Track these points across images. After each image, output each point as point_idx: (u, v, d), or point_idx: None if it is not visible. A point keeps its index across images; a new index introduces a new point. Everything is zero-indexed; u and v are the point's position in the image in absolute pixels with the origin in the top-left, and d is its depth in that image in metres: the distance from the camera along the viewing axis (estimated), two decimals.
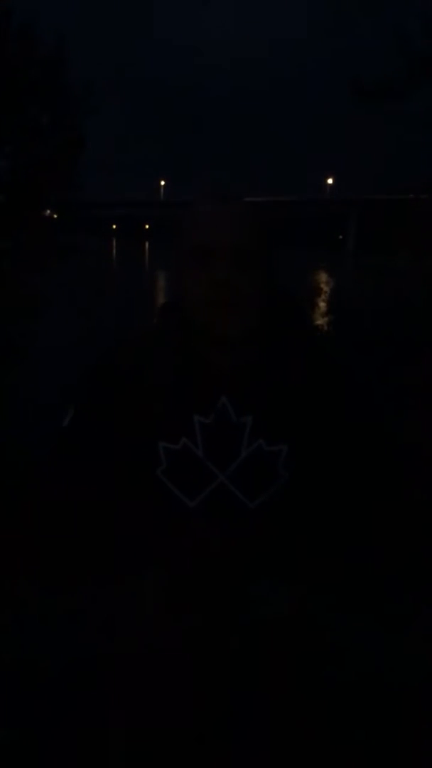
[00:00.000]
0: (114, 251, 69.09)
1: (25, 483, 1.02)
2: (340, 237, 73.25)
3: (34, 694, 0.99)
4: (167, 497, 0.94)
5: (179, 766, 0.93)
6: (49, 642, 0.95)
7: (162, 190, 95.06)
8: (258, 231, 0.95)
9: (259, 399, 0.94)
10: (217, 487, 0.93)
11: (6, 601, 0.98)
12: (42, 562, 0.98)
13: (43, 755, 0.97)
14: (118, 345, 1.05)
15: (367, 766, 0.90)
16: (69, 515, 0.96)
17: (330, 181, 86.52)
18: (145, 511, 0.94)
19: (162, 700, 0.96)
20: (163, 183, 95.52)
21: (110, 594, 0.95)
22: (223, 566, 0.90)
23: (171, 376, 0.96)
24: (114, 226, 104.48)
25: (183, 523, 0.92)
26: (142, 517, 0.94)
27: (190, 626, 0.91)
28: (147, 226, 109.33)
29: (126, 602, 0.95)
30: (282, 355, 0.98)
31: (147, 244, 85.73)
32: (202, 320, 0.92)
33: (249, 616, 0.91)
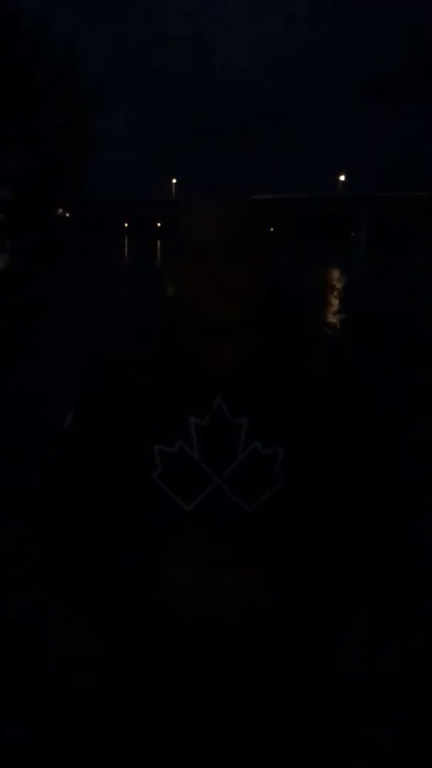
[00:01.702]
0: (126, 250, 69.15)
1: (26, 486, 1.03)
2: (353, 234, 72.72)
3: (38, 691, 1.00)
4: (163, 501, 0.93)
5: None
6: (49, 641, 0.96)
7: (173, 189, 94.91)
8: (252, 226, 0.93)
9: (255, 400, 0.93)
10: (213, 490, 0.92)
11: (9, 599, 0.99)
12: (41, 564, 0.98)
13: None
14: (114, 345, 1.04)
15: None
16: (68, 520, 0.96)
17: (342, 178, 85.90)
18: (141, 515, 0.94)
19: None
20: (174, 181, 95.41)
21: (106, 598, 0.95)
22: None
23: (167, 376, 0.95)
24: (126, 225, 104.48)
25: (179, 527, 0.91)
26: (138, 522, 0.94)
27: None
28: (159, 224, 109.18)
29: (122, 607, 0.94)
30: (278, 355, 0.96)
31: (159, 243, 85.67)
32: (197, 317, 0.92)
33: None
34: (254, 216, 0.94)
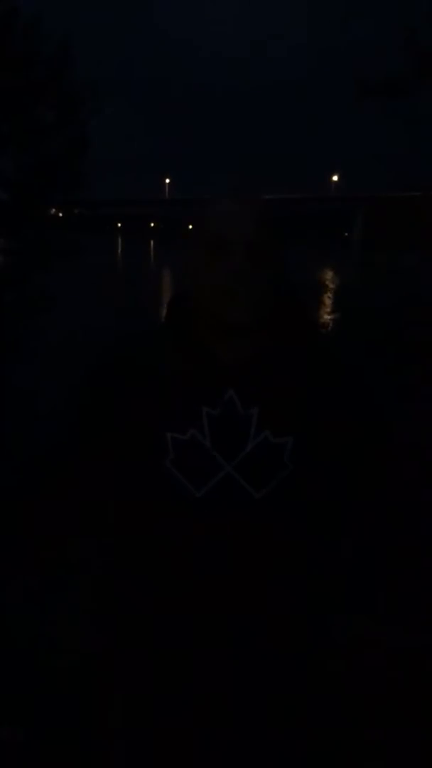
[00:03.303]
0: (119, 250, 69.17)
1: (36, 475, 1.04)
2: (346, 234, 73.06)
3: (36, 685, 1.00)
4: (175, 487, 0.95)
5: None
6: (54, 633, 0.96)
7: (166, 188, 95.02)
8: (272, 227, 0.98)
9: (266, 391, 0.96)
10: (223, 477, 0.94)
11: (16, 584, 0.99)
12: (52, 550, 0.99)
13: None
14: (127, 338, 1.06)
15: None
16: (80, 505, 0.98)
17: (335, 178, 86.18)
18: (153, 500, 0.96)
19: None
20: (168, 181, 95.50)
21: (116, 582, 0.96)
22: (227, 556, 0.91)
23: (179, 367, 0.97)
24: (119, 225, 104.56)
25: (190, 512, 0.93)
26: (150, 506, 0.96)
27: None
28: (152, 224, 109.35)
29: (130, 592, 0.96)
30: (288, 349, 0.99)
31: (152, 242, 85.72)
32: (214, 312, 0.94)
33: None
34: (272, 217, 0.98)
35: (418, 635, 1.78)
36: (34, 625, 1.66)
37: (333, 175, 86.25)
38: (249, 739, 0.95)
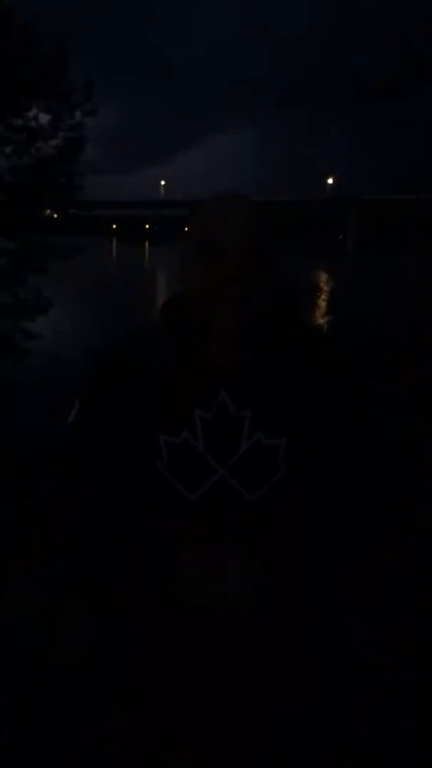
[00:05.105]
0: (113, 252, 69.00)
1: (30, 479, 1.03)
2: (340, 237, 73.26)
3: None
4: (169, 490, 0.95)
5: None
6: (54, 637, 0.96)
7: (162, 190, 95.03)
8: (264, 230, 0.97)
9: (259, 393, 0.96)
10: (217, 480, 0.94)
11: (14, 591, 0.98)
12: (46, 556, 0.99)
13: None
14: (120, 341, 1.05)
15: None
16: (74, 510, 0.97)
17: (330, 181, 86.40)
18: (147, 504, 0.95)
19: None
20: (162, 183, 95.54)
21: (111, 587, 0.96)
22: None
23: (172, 371, 0.97)
24: (114, 226, 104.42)
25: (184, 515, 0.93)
26: (144, 510, 0.95)
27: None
28: (147, 226, 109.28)
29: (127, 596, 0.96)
30: (282, 350, 0.99)
31: (147, 244, 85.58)
32: (206, 315, 0.94)
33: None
34: (265, 219, 0.97)
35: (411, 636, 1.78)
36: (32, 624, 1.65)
37: (328, 177, 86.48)
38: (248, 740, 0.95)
